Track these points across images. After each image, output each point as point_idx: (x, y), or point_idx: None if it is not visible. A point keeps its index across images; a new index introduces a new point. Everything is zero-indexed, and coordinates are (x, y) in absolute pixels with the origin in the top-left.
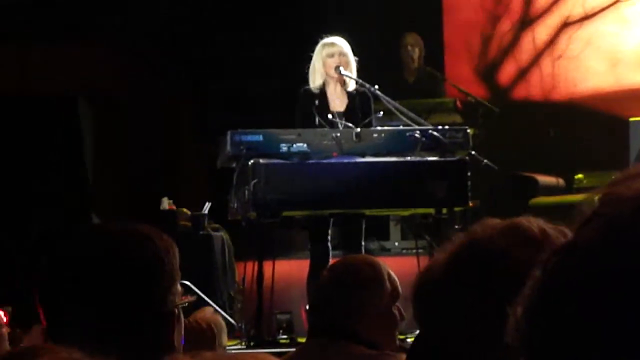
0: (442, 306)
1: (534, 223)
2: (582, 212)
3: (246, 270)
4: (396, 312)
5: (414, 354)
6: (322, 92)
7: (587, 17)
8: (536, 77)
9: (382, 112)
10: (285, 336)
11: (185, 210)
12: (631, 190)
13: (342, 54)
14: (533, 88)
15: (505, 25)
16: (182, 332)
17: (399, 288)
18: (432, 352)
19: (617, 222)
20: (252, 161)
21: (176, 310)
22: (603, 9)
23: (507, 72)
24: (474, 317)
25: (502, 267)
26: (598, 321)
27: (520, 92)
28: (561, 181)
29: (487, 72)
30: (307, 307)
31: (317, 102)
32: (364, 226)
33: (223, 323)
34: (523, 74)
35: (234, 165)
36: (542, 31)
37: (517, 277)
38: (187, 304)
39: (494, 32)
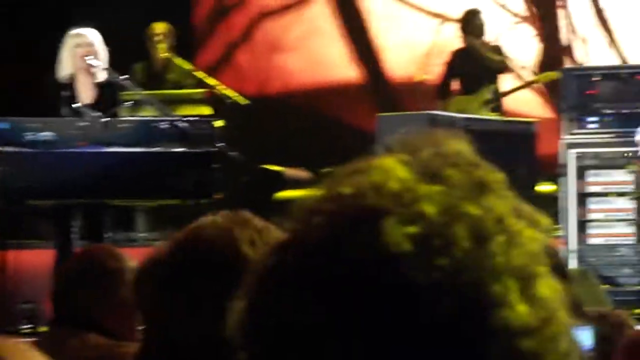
0: (161, 293)
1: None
2: (301, 208)
3: None
4: None
5: (144, 347)
6: (70, 83)
7: (286, 8)
8: (251, 70)
9: (132, 102)
10: (28, 326)
11: None
12: (350, 188)
13: (89, 44)
14: (248, 81)
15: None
16: None
17: None
18: (157, 341)
19: (339, 221)
20: None
21: None
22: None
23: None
24: (189, 306)
25: (212, 262)
26: (334, 311)
27: (233, 85)
28: (309, 175)
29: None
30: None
31: (64, 92)
32: (108, 217)
33: None
34: (222, 64)
35: None
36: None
37: (228, 270)
38: None
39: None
